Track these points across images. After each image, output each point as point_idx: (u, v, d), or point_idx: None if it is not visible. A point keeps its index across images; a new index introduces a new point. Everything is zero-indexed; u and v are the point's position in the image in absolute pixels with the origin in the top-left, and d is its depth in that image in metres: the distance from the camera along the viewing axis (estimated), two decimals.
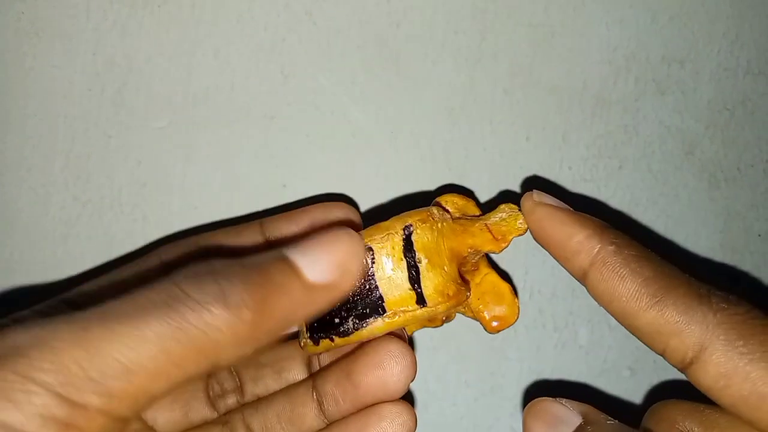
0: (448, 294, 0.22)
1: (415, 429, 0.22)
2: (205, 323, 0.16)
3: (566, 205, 0.22)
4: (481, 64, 0.30)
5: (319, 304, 0.19)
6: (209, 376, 0.24)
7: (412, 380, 0.23)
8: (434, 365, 0.30)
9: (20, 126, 0.28)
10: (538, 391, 0.30)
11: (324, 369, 0.24)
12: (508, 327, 0.22)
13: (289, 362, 0.25)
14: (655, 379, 0.31)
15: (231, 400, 0.24)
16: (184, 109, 0.29)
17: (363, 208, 0.29)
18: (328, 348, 0.22)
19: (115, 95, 0.28)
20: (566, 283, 0.30)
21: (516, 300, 0.22)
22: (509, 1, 0.30)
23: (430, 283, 0.22)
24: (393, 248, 0.22)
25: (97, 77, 0.28)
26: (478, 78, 0.30)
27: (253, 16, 0.29)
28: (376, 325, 0.21)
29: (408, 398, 0.23)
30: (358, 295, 0.21)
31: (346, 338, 0.22)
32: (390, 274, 0.21)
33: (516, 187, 0.30)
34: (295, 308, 0.18)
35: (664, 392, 0.31)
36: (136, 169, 0.29)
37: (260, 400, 0.24)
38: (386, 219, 0.22)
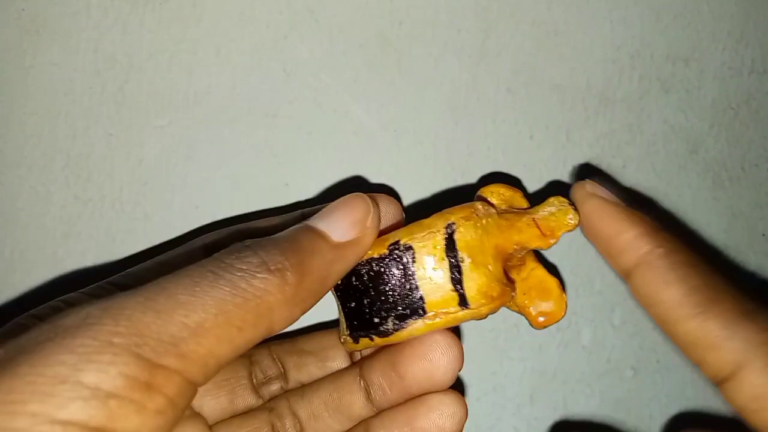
0: (492, 295, 0.21)
1: (465, 419, 0.22)
2: (255, 287, 0.18)
3: (618, 200, 0.21)
4: (484, 63, 0.30)
5: (349, 260, 0.21)
6: (253, 363, 0.25)
7: (460, 370, 0.22)
8: None
9: (21, 124, 0.28)
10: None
11: (369, 357, 0.24)
12: (555, 323, 0.21)
13: (333, 351, 0.25)
14: (658, 380, 0.31)
15: (275, 387, 0.25)
16: (185, 108, 0.29)
17: None
18: (368, 346, 0.22)
19: (116, 93, 0.28)
20: (569, 283, 0.30)
21: (564, 295, 0.21)
22: (512, 0, 0.30)
23: (473, 284, 0.21)
24: (435, 247, 0.21)
25: (98, 75, 0.28)
26: (481, 76, 0.30)
27: (254, 14, 0.29)
28: (416, 327, 0.21)
29: (457, 387, 0.23)
30: (398, 295, 0.21)
31: (385, 338, 0.21)
32: (431, 274, 0.21)
33: (520, 186, 0.30)
34: (329, 266, 0.20)
35: (666, 394, 0.31)
36: (138, 167, 0.28)
37: (305, 388, 0.24)
38: (428, 214, 0.22)
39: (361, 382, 0.23)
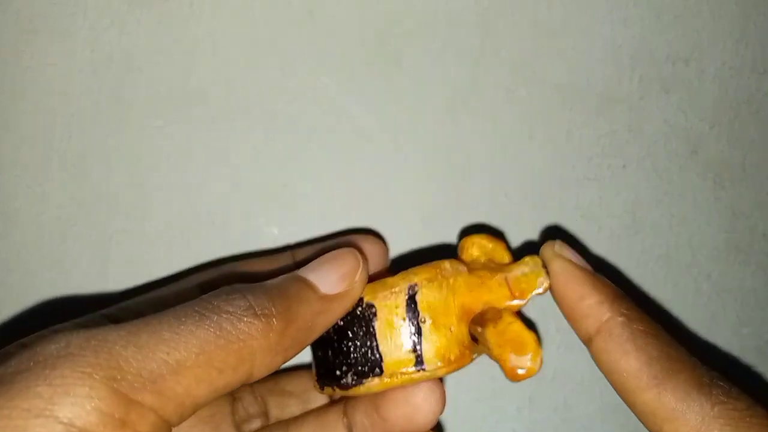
0: (449, 358, 0.21)
1: None
2: (240, 330, 0.18)
3: (586, 264, 0.22)
4: (484, 63, 0.30)
5: (335, 313, 0.21)
6: (235, 400, 0.25)
7: (441, 414, 0.22)
8: None
9: (17, 124, 0.28)
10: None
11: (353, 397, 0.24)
12: (530, 377, 0.21)
13: (314, 393, 0.25)
14: None
15: (255, 425, 0.25)
16: (182, 108, 0.29)
17: (365, 209, 0.29)
18: (331, 395, 0.23)
19: (113, 93, 0.28)
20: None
21: (540, 350, 0.21)
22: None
23: (431, 346, 0.21)
24: (396, 307, 0.21)
25: (95, 75, 0.28)
26: (480, 76, 0.30)
27: (252, 14, 0.29)
28: (373, 384, 0.21)
29: (437, 429, 0.24)
30: (359, 352, 0.21)
31: (345, 391, 0.22)
32: (390, 334, 0.21)
33: (520, 186, 0.30)
34: (315, 317, 0.20)
35: None
36: (135, 168, 0.29)
37: (290, 422, 0.25)
38: (406, 257, 0.22)
39: (345, 420, 0.24)
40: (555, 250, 0.22)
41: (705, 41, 0.31)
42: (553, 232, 0.30)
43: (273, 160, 0.29)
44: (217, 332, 0.18)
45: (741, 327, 0.31)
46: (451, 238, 0.30)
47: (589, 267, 0.21)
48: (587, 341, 0.20)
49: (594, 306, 0.20)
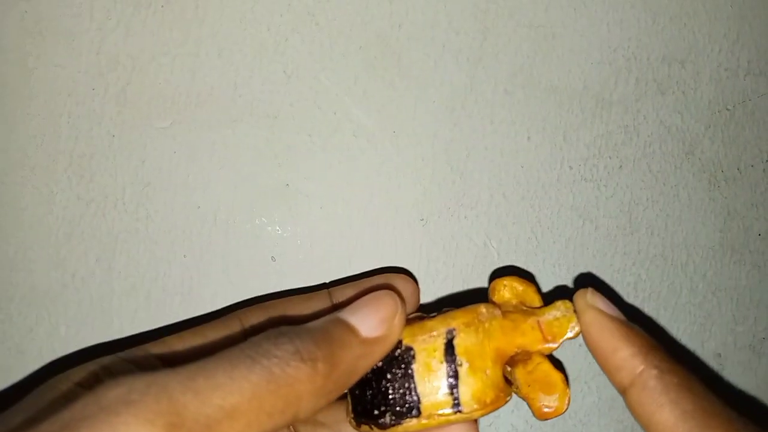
0: (485, 401, 0.22)
1: None
2: (288, 375, 0.18)
3: (618, 313, 0.21)
4: (483, 65, 0.30)
5: (376, 355, 0.21)
6: None
7: None
8: None
9: (24, 125, 0.28)
10: None
11: None
12: (558, 416, 0.22)
13: (345, 425, 0.25)
14: None
15: None
16: (187, 109, 0.29)
17: (365, 209, 0.29)
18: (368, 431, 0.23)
19: (118, 95, 0.28)
20: (567, 282, 0.30)
21: (568, 390, 0.22)
22: (510, 2, 0.30)
23: (468, 389, 0.22)
24: (435, 350, 0.22)
25: (101, 77, 0.28)
26: (479, 78, 0.30)
27: (256, 17, 0.29)
28: (410, 425, 0.22)
29: None
30: (397, 393, 0.22)
31: (382, 430, 0.22)
32: (429, 377, 0.22)
33: (518, 186, 0.30)
34: (357, 360, 0.21)
35: None
36: (140, 168, 0.29)
37: None
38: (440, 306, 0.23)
39: None
40: (587, 300, 0.22)
41: (700, 43, 0.31)
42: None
43: (276, 160, 0.29)
44: (269, 377, 0.18)
45: (736, 325, 0.32)
46: (448, 236, 0.30)
47: (622, 316, 0.21)
48: (622, 393, 0.21)
49: (627, 358, 0.20)
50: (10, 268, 0.28)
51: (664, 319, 0.31)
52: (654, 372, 0.20)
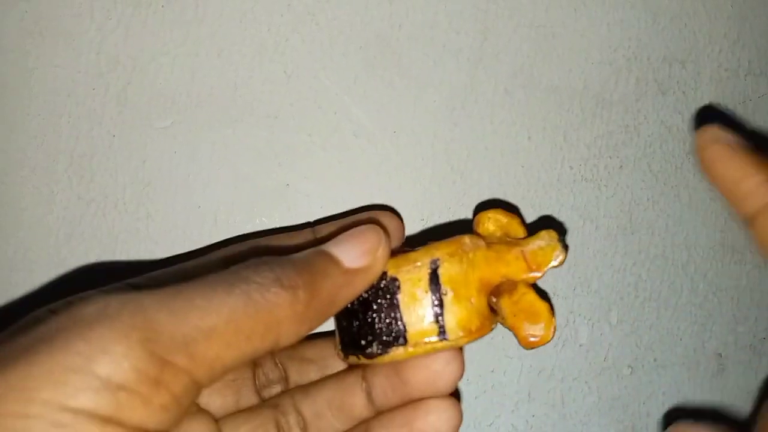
0: (470, 329, 0.22)
1: (460, 424, 0.23)
2: (267, 300, 0.19)
3: (746, 143, 0.21)
4: (483, 65, 0.30)
5: (358, 286, 0.22)
6: (257, 366, 0.25)
7: (460, 380, 0.23)
8: None
9: (24, 125, 0.28)
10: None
11: None
12: (543, 344, 0.22)
13: (332, 360, 0.26)
14: (655, 378, 0.31)
15: (276, 390, 0.25)
16: (187, 109, 0.29)
17: (366, 208, 0.30)
18: (356, 363, 0.23)
19: (118, 95, 0.28)
20: (567, 282, 0.30)
21: (553, 319, 0.22)
22: (510, 2, 0.30)
23: (453, 317, 0.22)
24: (419, 280, 0.22)
25: (101, 77, 0.28)
26: (479, 78, 0.30)
27: (256, 17, 0.29)
28: (398, 353, 0.22)
29: (455, 394, 0.24)
30: (383, 323, 0.22)
31: (370, 360, 0.22)
32: (414, 306, 0.22)
33: (518, 186, 0.30)
34: (338, 290, 0.21)
35: (663, 392, 0.31)
36: (140, 168, 0.29)
37: (310, 387, 0.25)
38: (423, 235, 0.23)
39: (363, 384, 0.24)
40: (710, 135, 0.21)
41: (701, 43, 0.31)
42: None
43: (276, 160, 0.29)
44: (247, 301, 0.18)
45: (737, 325, 0.32)
46: (448, 236, 0.30)
47: (747, 147, 0.21)
48: (749, 221, 0.20)
49: (756, 186, 0.20)
50: (10, 268, 0.28)
51: (664, 319, 0.31)
52: None
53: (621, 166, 0.31)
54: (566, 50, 0.30)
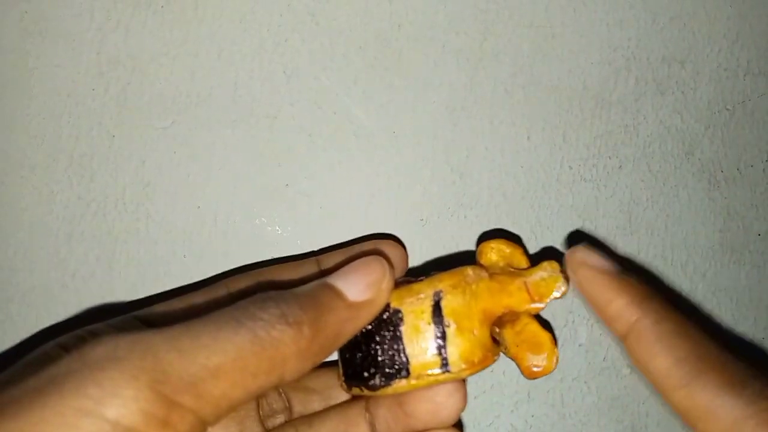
0: (473, 361, 0.22)
1: None
2: (273, 338, 0.19)
3: (612, 265, 0.21)
4: (482, 65, 0.30)
5: (362, 319, 0.22)
6: (260, 396, 0.26)
7: (463, 411, 0.23)
8: None
9: (24, 126, 0.28)
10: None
11: None
12: (546, 374, 0.22)
13: (336, 390, 0.26)
14: None
15: (279, 420, 0.26)
16: (187, 109, 0.29)
17: (365, 209, 0.30)
18: (358, 395, 0.23)
19: (118, 95, 0.28)
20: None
21: (555, 350, 0.22)
22: (510, 2, 0.30)
23: (456, 350, 0.22)
24: (422, 312, 0.22)
25: (101, 77, 0.28)
26: (479, 78, 0.30)
27: (255, 17, 0.29)
28: (400, 385, 0.22)
29: (458, 424, 0.24)
30: (386, 355, 0.22)
31: (373, 392, 0.22)
32: (417, 338, 0.22)
33: (518, 186, 0.30)
34: (343, 324, 0.21)
35: None
36: (140, 168, 0.29)
37: (313, 417, 0.25)
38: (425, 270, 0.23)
39: (367, 416, 0.24)
40: (578, 257, 0.22)
41: (700, 43, 0.31)
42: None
43: (276, 160, 0.29)
44: (253, 339, 0.18)
45: (736, 326, 0.32)
46: (448, 236, 0.30)
47: (616, 267, 0.21)
48: (621, 343, 0.21)
49: (622, 308, 0.20)
50: (10, 268, 0.28)
51: None
52: (648, 321, 0.20)
53: (620, 166, 0.31)
54: (566, 50, 0.30)
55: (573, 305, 0.30)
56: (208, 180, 0.29)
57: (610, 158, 0.30)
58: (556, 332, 0.30)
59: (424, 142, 0.30)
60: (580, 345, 0.30)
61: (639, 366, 0.20)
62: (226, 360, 0.18)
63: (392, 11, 0.29)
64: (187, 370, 0.17)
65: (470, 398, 0.30)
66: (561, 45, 0.30)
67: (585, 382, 0.31)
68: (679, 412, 0.19)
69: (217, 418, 0.18)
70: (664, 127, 0.31)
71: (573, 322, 0.30)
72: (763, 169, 0.32)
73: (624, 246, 0.31)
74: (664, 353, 0.19)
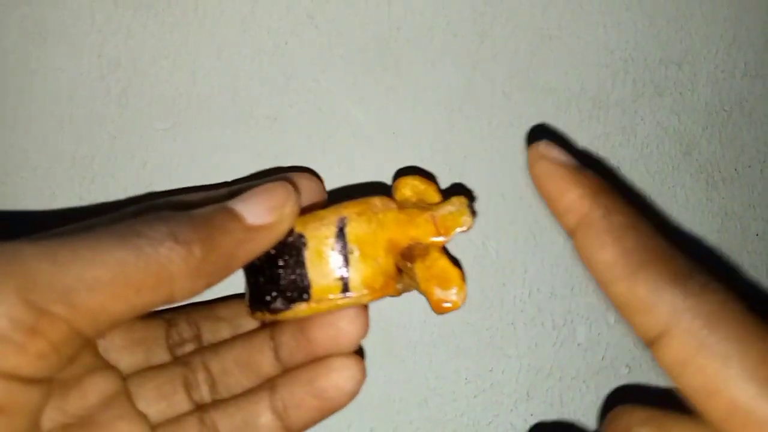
0: (374, 287, 0.23)
1: (363, 381, 0.24)
2: (159, 254, 0.18)
3: (569, 159, 0.21)
4: (481, 67, 0.30)
5: (261, 243, 0.21)
6: (170, 326, 0.25)
7: (364, 338, 0.24)
8: (433, 362, 0.30)
9: (25, 128, 0.28)
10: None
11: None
12: (454, 309, 0.22)
13: (245, 319, 0.26)
14: (653, 377, 0.31)
15: (189, 348, 0.26)
16: (188, 111, 0.29)
17: None
18: (262, 319, 0.24)
19: (119, 97, 0.29)
20: (565, 281, 0.30)
21: (464, 285, 0.22)
22: (508, 5, 0.30)
23: (357, 275, 0.22)
24: (326, 238, 0.23)
25: (102, 79, 0.28)
26: (477, 80, 0.30)
27: (255, 19, 0.29)
28: (300, 309, 0.23)
29: (359, 352, 0.24)
30: (288, 278, 0.22)
31: (274, 315, 0.23)
32: (320, 263, 0.22)
33: (516, 188, 0.30)
34: (238, 246, 0.21)
35: (661, 392, 0.31)
36: (141, 170, 0.29)
37: (219, 345, 0.25)
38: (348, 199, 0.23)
39: (271, 343, 0.25)
40: (540, 150, 0.21)
41: (697, 44, 0.31)
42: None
43: (275, 162, 0.29)
44: (138, 254, 0.18)
45: None
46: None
47: (573, 162, 0.21)
48: (570, 236, 0.20)
49: (575, 200, 0.20)
50: None
51: None
52: (599, 212, 0.19)
53: (618, 167, 0.31)
54: (563, 52, 0.30)
55: (572, 304, 0.31)
56: (208, 182, 0.29)
57: (607, 159, 0.31)
58: (555, 332, 0.30)
59: (423, 143, 0.30)
60: (578, 344, 0.31)
61: (585, 259, 0.19)
62: (105, 272, 0.17)
63: (391, 13, 0.29)
64: (60, 280, 0.17)
65: (469, 397, 0.30)
66: (559, 47, 0.30)
67: (584, 382, 0.31)
68: (618, 305, 0.19)
69: (98, 331, 0.18)
70: (661, 129, 0.31)
71: (572, 321, 0.31)
72: (761, 170, 0.32)
73: None
74: (612, 244, 0.19)
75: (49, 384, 0.18)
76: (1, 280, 0.16)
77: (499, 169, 0.30)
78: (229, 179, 0.29)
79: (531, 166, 0.21)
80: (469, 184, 0.30)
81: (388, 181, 0.30)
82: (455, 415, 0.30)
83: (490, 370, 0.30)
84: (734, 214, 0.32)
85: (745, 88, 0.32)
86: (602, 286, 0.19)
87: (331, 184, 0.29)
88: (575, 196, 0.20)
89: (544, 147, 0.21)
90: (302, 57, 0.29)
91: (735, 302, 0.18)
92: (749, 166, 0.32)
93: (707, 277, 0.18)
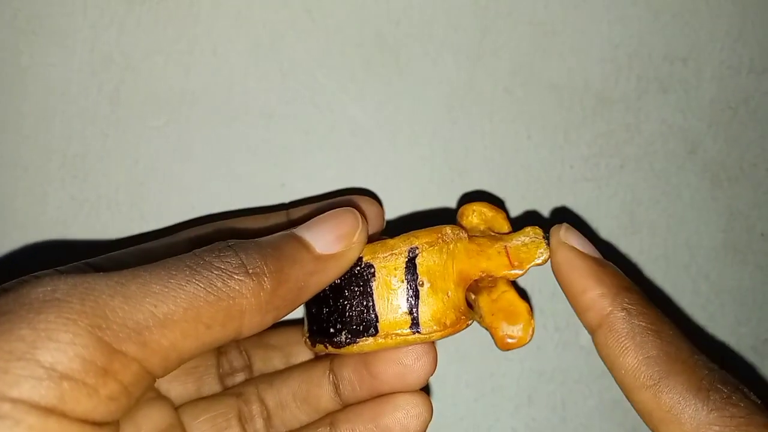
0: (445, 323, 0.21)
1: (430, 419, 0.23)
2: (230, 288, 0.18)
3: (593, 250, 0.21)
4: (482, 63, 0.30)
5: (331, 273, 0.21)
6: (221, 354, 0.25)
7: (431, 375, 0.23)
8: None
9: (17, 125, 0.28)
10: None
11: None
12: (520, 346, 0.21)
13: (297, 347, 0.25)
14: None
15: (240, 378, 0.25)
16: (181, 108, 0.29)
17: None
18: (322, 351, 0.22)
19: (112, 93, 0.28)
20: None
21: (532, 321, 0.21)
22: None
23: (428, 310, 0.21)
24: (396, 269, 0.21)
25: (94, 75, 0.28)
26: (478, 76, 0.30)
27: (251, 14, 0.29)
28: (366, 344, 0.21)
29: (425, 389, 0.23)
30: (355, 311, 0.21)
31: (338, 349, 0.22)
32: (388, 295, 0.21)
33: (518, 186, 0.30)
34: (308, 277, 0.20)
35: None
36: (134, 167, 0.29)
37: (274, 376, 0.25)
38: (421, 222, 0.22)
39: (330, 377, 0.24)
40: (561, 236, 0.21)
41: (703, 41, 0.31)
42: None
43: (271, 159, 0.29)
44: (207, 289, 0.17)
45: (739, 326, 0.31)
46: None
47: (596, 254, 0.21)
48: (591, 333, 0.20)
49: (596, 299, 0.20)
50: (2, 269, 0.28)
51: None
52: (621, 314, 0.19)
53: (622, 166, 0.30)
54: (566, 48, 0.30)
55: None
56: (202, 180, 0.29)
57: (611, 157, 0.30)
58: (557, 335, 0.30)
59: (423, 140, 0.29)
60: (581, 347, 0.30)
61: (607, 361, 0.20)
62: (177, 308, 0.17)
63: (390, 8, 0.29)
64: (131, 317, 0.16)
65: (470, 401, 0.30)
66: (562, 42, 0.30)
67: (586, 385, 0.30)
68: (642, 412, 0.19)
69: (166, 370, 0.17)
70: (666, 126, 0.31)
71: (574, 324, 0.30)
72: (766, 168, 0.32)
73: (626, 246, 0.30)
74: (635, 350, 0.19)
75: (116, 427, 0.17)
76: (75, 318, 0.16)
77: (500, 166, 0.30)
78: (227, 179, 0.29)
79: (553, 252, 0.21)
80: (469, 182, 0.30)
81: (389, 180, 0.29)
82: (455, 419, 0.30)
83: (492, 374, 0.30)
84: (740, 213, 0.31)
85: (751, 84, 0.31)
86: (624, 390, 0.19)
87: (331, 184, 0.29)
88: (597, 295, 0.20)
89: (566, 232, 0.21)
90: (299, 52, 0.29)
91: (757, 415, 0.18)
92: (755, 165, 0.31)
93: (731, 389, 0.18)
